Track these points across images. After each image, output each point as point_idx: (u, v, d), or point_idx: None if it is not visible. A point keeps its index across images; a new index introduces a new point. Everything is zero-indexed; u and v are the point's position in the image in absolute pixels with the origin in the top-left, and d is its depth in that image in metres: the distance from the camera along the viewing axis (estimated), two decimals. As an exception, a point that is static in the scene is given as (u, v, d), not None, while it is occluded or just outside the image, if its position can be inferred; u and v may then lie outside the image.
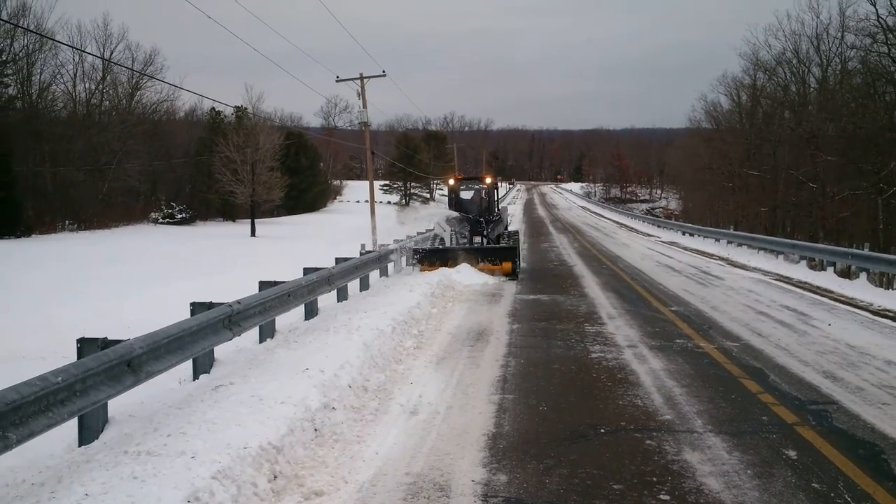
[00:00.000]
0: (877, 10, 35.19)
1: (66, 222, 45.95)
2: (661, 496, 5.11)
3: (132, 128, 52.32)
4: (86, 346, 6.18)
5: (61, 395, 5.24)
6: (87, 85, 53.04)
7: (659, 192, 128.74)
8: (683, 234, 39.27)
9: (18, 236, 39.04)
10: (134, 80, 55.36)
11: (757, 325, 11.98)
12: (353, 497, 5.08)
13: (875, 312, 13.47)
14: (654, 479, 5.42)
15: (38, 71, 48.64)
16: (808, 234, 41.00)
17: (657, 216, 70.00)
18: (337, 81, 33.37)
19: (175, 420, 5.98)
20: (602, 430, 6.58)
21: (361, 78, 32.97)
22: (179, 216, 51.89)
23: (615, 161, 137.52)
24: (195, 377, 8.00)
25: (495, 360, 9.51)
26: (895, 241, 36.32)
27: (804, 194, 44.64)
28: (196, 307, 8.41)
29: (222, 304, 8.37)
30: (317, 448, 5.87)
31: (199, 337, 7.57)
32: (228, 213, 56.94)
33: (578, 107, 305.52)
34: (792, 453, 5.97)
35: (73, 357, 6.28)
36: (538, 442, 6.28)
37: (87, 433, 6.00)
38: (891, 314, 13.25)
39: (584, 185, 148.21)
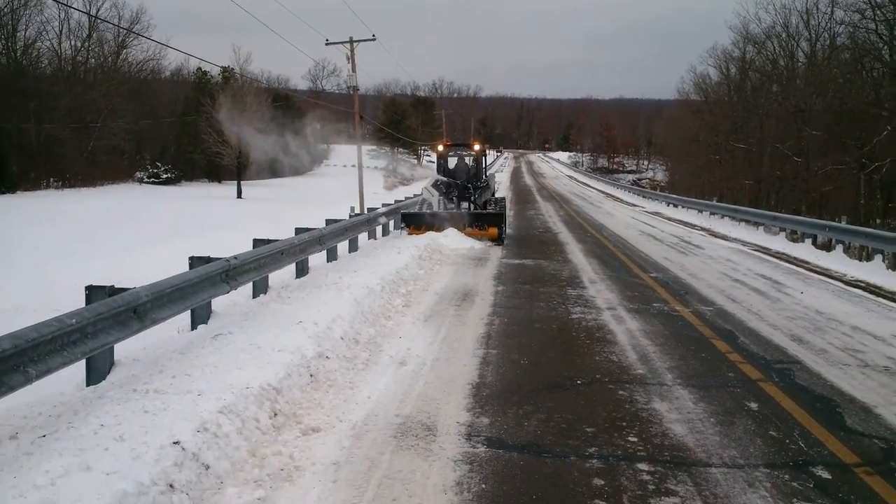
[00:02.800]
0: (866, -16, 35.40)
1: (51, 180, 45.79)
2: (630, 438, 5.56)
3: (118, 86, 51.92)
4: (94, 293, 6.52)
5: (74, 336, 5.60)
6: (72, 42, 52.67)
7: (646, 162, 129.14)
8: (668, 204, 39.76)
9: (3, 192, 38.99)
10: (120, 38, 54.91)
11: (732, 291, 12.45)
12: (348, 434, 5.50)
13: (848, 283, 13.95)
14: (624, 423, 5.87)
15: (23, 27, 48.18)
16: (792, 207, 41.53)
17: (643, 187, 70.44)
18: (326, 44, 33.21)
19: (178, 364, 6.36)
20: (578, 382, 7.03)
21: (351, 42, 32.81)
22: (164, 176, 51.79)
23: (603, 131, 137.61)
24: (193, 327, 8.36)
25: (480, 318, 9.93)
26: (875, 216, 37.02)
27: (789, 168, 45.12)
28: (194, 261, 8.73)
29: (220, 258, 8.71)
30: (312, 391, 6.27)
31: (198, 289, 7.93)
32: (214, 174, 56.81)
33: (568, 76, 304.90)
34: (753, 405, 6.44)
35: (63, 310, 6.58)
36: (519, 391, 6.72)
37: (95, 374, 6.36)
38: (862, 284, 13.73)
39: (571, 154, 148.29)
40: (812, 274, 14.99)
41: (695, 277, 13.95)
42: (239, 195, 45.44)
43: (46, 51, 51.09)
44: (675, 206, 37.84)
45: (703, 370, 7.52)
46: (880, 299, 12.19)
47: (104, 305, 6.02)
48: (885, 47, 38.28)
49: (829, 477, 4.99)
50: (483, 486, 4.72)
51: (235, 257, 8.99)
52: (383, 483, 4.70)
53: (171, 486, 4.10)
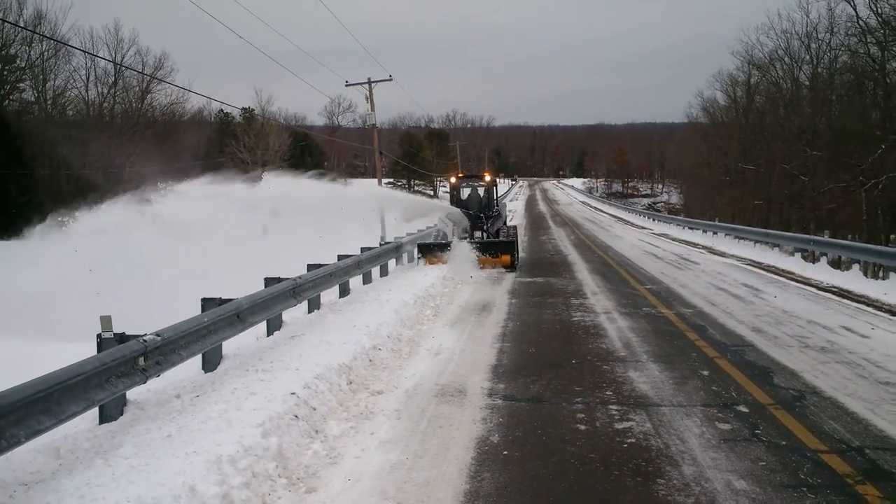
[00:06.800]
0: (856, 11, 37.14)
1: (85, 224, 48.19)
2: (607, 392, 7.67)
3: (143, 130, 54.60)
4: (206, 303, 8.72)
5: (204, 331, 7.78)
6: (99, 90, 55.47)
7: (660, 186, 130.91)
8: (676, 226, 41.61)
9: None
10: (144, 84, 57.76)
11: (714, 297, 14.47)
12: (402, 395, 7.66)
13: (822, 289, 15.86)
14: (604, 385, 7.98)
15: (53, 77, 51.02)
16: (801, 226, 43.13)
17: (658, 210, 72.17)
18: (346, 86, 35.96)
19: (272, 354, 8.54)
20: (573, 361, 9.15)
21: (370, 82, 35.37)
22: (195, 215, 54.19)
23: (617, 156, 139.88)
24: (269, 333, 10.48)
25: (497, 322, 12.08)
26: (880, 233, 38.49)
27: (796, 187, 46.76)
28: (268, 281, 10.94)
29: (288, 278, 10.90)
30: (372, 370, 8.43)
31: (276, 301, 10.12)
32: (240, 212, 59.22)
33: (580, 103, 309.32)
34: (705, 372, 8.49)
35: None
36: (526, 368, 8.84)
37: (209, 364, 8.48)
38: (835, 290, 15.63)
39: (585, 180, 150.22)
40: (791, 282, 16.93)
41: (684, 287, 15.97)
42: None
43: (75, 98, 54.03)
44: (683, 227, 39.70)
45: (672, 352, 9.59)
46: (845, 300, 14.13)
47: (221, 310, 8.22)
48: (879, 69, 40.08)
49: (747, 410, 7.03)
50: (500, 419, 6.84)
51: (300, 277, 11.21)
52: (431, 419, 6.85)
53: (295, 416, 6.24)
